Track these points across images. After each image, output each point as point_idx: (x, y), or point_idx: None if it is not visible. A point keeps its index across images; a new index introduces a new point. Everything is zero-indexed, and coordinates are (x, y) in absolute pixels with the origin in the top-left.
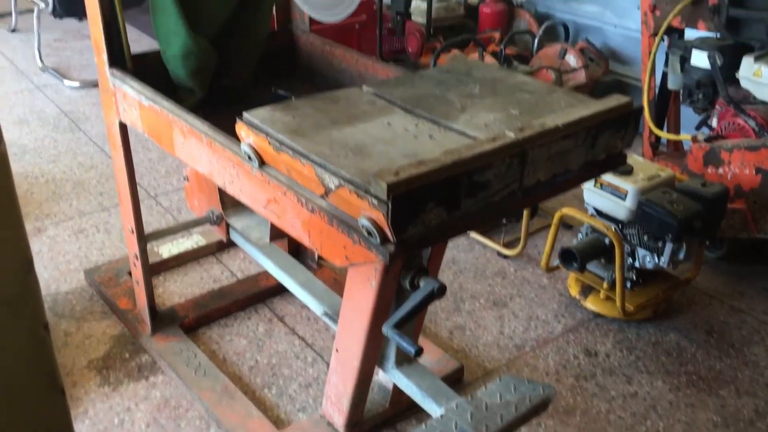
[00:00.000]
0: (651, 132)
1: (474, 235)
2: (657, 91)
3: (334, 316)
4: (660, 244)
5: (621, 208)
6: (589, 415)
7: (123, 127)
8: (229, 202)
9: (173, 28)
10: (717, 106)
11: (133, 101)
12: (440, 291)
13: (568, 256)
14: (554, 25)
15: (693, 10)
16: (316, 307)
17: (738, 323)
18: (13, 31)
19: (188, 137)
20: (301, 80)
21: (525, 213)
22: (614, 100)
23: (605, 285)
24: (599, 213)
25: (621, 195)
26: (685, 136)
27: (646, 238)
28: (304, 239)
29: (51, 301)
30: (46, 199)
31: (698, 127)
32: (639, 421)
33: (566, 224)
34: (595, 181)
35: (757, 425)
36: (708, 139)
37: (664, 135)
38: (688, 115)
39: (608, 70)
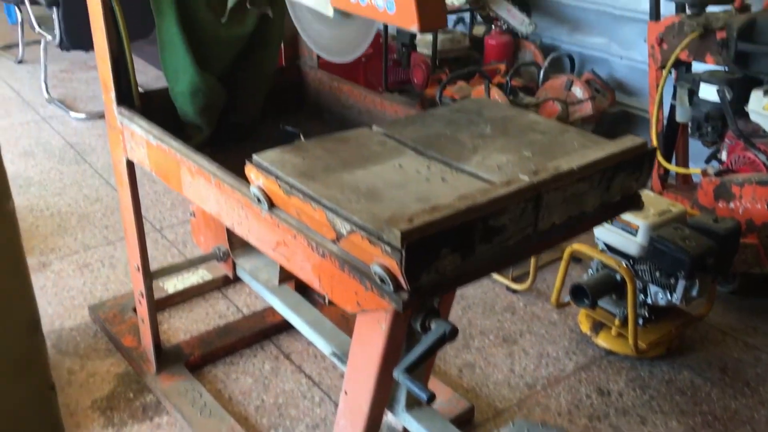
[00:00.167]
0: (660, 165)
1: None
2: (665, 123)
3: (342, 356)
4: (672, 281)
5: (632, 244)
6: None
7: (130, 165)
8: (237, 242)
9: (181, 65)
10: (726, 140)
11: (141, 140)
12: (452, 334)
13: (579, 293)
14: (560, 56)
15: (700, 44)
16: (324, 347)
17: (752, 360)
18: (20, 62)
19: (196, 177)
20: (309, 116)
21: None
22: (629, 141)
23: (617, 321)
24: (610, 248)
25: (632, 230)
26: (694, 170)
27: (658, 274)
28: (315, 283)
29: (55, 338)
30: (51, 232)
31: (708, 161)
32: None
33: (576, 257)
34: None
35: None
36: (718, 173)
37: (674, 168)
38: (696, 148)
39: (615, 102)
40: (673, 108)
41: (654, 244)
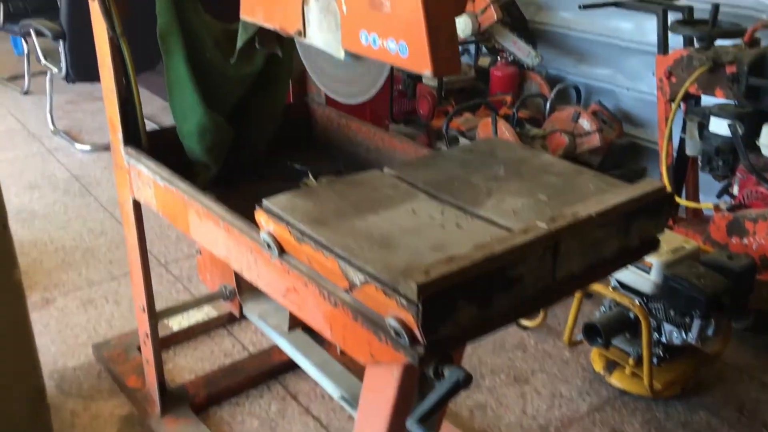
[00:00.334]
0: None
1: None
2: (675, 156)
3: (351, 401)
4: (687, 320)
5: (645, 282)
6: None
7: (137, 205)
8: (245, 284)
9: (189, 104)
10: (738, 174)
11: (148, 180)
12: (466, 381)
13: (592, 332)
14: (566, 87)
15: (710, 78)
16: (333, 391)
17: None
18: (26, 93)
19: (204, 220)
20: (317, 153)
21: None
22: (647, 185)
23: (631, 361)
24: (622, 285)
25: (645, 268)
26: (706, 205)
27: (672, 312)
28: (326, 332)
29: (58, 378)
30: (55, 267)
31: (719, 195)
32: None
33: (587, 293)
34: None
35: None
36: (731, 209)
37: (687, 203)
38: (705, 180)
39: (622, 133)
40: (682, 141)
41: (668, 282)
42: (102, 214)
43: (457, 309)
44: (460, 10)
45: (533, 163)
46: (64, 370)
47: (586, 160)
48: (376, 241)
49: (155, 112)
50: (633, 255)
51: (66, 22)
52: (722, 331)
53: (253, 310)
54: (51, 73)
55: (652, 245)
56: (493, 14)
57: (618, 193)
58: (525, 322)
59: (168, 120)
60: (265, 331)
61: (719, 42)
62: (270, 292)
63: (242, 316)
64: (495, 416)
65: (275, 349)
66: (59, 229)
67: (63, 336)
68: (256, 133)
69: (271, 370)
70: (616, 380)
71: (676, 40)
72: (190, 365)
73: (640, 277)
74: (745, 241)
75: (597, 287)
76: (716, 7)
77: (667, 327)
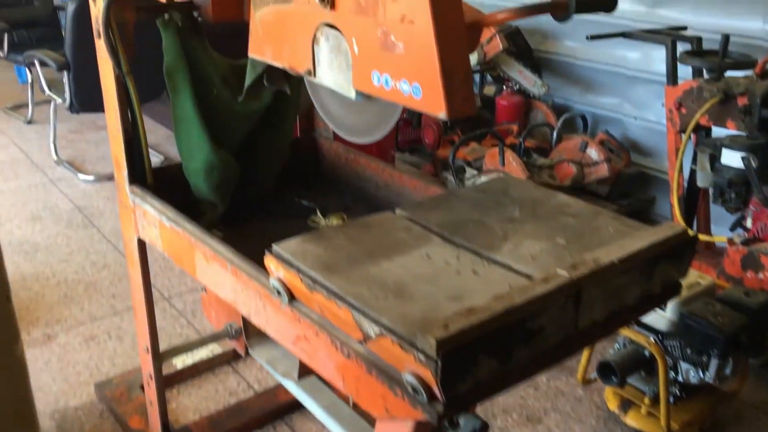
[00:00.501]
0: None
1: None
2: (685, 187)
3: None
4: (704, 358)
5: (661, 319)
6: None
7: (142, 244)
8: (254, 329)
9: (196, 142)
10: (751, 206)
11: (154, 219)
12: (482, 430)
13: (606, 370)
14: (572, 116)
15: (721, 109)
16: None
17: None
18: (30, 122)
19: (211, 262)
20: (325, 188)
21: None
22: (669, 229)
23: (647, 400)
24: (637, 323)
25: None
26: (720, 238)
27: (689, 351)
28: (338, 383)
29: (59, 419)
30: (57, 302)
31: (733, 228)
32: None
33: None
34: None
35: None
36: (745, 242)
37: (702, 237)
38: (715, 210)
39: (630, 162)
40: (693, 172)
41: (685, 320)
42: (105, 245)
43: (477, 364)
44: (473, 48)
45: (549, 204)
46: (66, 410)
47: (594, 190)
48: (391, 289)
49: (159, 141)
50: (655, 301)
51: (70, 52)
52: (740, 370)
53: (261, 354)
54: (55, 103)
55: (675, 290)
56: (498, 44)
57: (639, 237)
58: None
59: (172, 149)
60: (268, 368)
61: (729, 73)
62: (279, 339)
63: (248, 354)
64: None
65: (281, 388)
66: (61, 261)
67: (64, 374)
68: (263, 169)
69: (277, 410)
70: (631, 420)
71: (684, 70)
72: (194, 405)
73: (656, 314)
74: (761, 275)
75: None
76: (726, 38)
77: (683, 365)
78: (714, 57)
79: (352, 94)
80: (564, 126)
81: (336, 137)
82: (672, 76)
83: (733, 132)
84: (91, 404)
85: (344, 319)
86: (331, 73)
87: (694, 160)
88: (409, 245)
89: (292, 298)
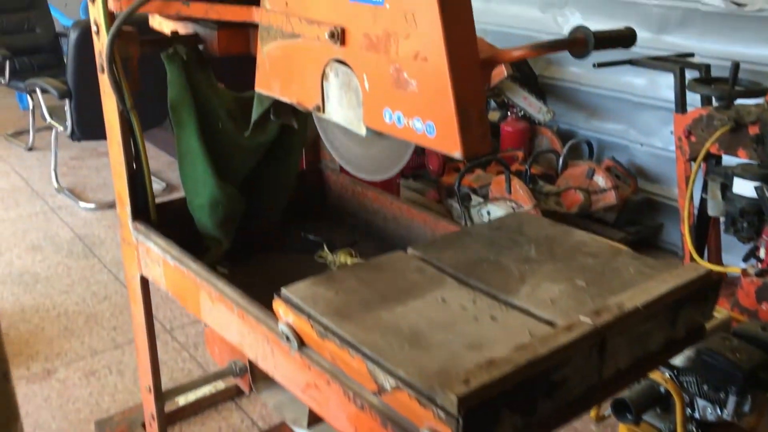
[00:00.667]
0: (693, 260)
1: None
2: (696, 216)
3: None
4: (722, 395)
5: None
6: None
7: (144, 282)
8: (261, 373)
9: (201, 177)
10: (764, 236)
11: (157, 257)
12: None
13: (621, 407)
14: (578, 142)
15: (731, 138)
16: None
17: None
18: (30, 149)
19: (217, 303)
20: (332, 222)
21: None
22: (692, 271)
23: None
24: None
25: None
26: (733, 269)
27: (706, 387)
28: None
29: None
30: (57, 335)
31: (746, 259)
32: None
33: None
34: None
35: None
36: (759, 273)
37: (715, 267)
38: (726, 239)
39: (637, 189)
40: (703, 201)
41: (702, 356)
42: (106, 276)
43: (500, 420)
44: (487, 84)
45: (566, 242)
46: None
47: (601, 217)
48: (406, 337)
49: (161, 167)
50: (680, 345)
51: (72, 81)
52: (758, 406)
53: (269, 398)
54: (56, 131)
55: (699, 334)
56: (503, 70)
57: (662, 280)
58: None
59: (174, 176)
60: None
61: (739, 101)
62: (288, 386)
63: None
64: None
65: (286, 426)
66: (62, 293)
67: (64, 411)
68: (269, 202)
69: None
70: None
71: (692, 97)
72: None
73: None
74: None
75: None
76: (737, 66)
77: (700, 402)
78: (724, 85)
79: (363, 131)
80: (569, 152)
81: (342, 169)
82: (681, 104)
83: (744, 161)
84: None
85: (358, 369)
86: (341, 110)
87: (704, 189)
88: (423, 288)
89: (302, 344)
